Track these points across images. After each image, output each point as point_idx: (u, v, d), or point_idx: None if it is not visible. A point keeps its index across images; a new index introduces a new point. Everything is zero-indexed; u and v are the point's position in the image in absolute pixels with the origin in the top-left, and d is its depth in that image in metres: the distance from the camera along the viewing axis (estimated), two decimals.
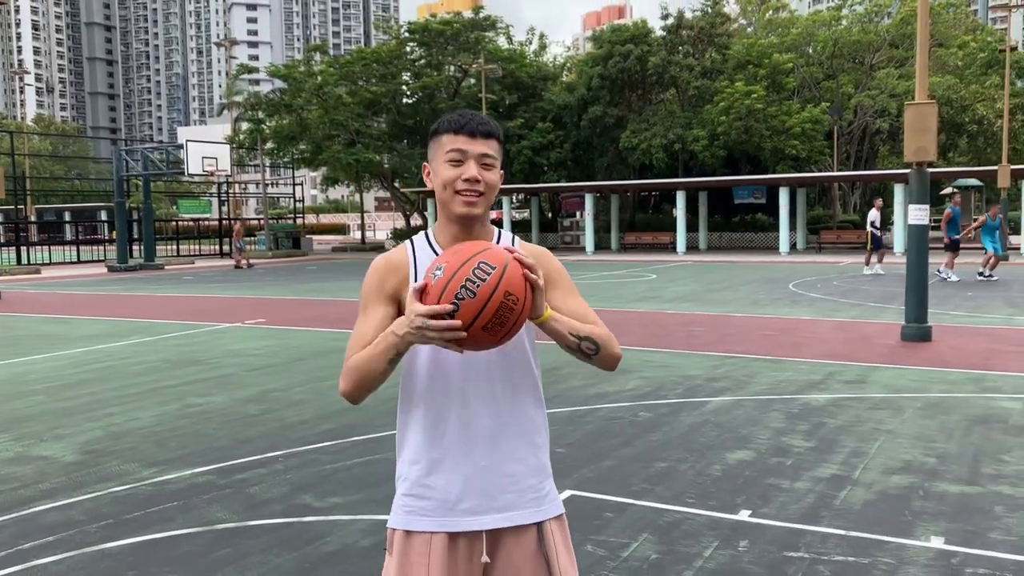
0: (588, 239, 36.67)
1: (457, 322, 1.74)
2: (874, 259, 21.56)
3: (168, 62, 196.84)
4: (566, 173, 41.38)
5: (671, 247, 35.85)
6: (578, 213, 41.74)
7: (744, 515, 4.62)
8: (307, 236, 44.48)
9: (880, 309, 13.96)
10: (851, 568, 3.92)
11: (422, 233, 2.12)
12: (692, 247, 36.41)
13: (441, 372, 2.00)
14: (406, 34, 41.77)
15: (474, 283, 1.76)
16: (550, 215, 46.17)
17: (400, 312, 1.98)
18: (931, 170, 10.80)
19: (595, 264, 28.85)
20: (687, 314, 13.83)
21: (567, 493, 5.01)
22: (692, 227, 37.04)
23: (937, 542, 4.21)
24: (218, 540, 4.38)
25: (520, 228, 43.46)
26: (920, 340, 10.26)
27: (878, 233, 21.51)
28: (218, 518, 4.71)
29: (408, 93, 42.57)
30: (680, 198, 34.82)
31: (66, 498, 5.07)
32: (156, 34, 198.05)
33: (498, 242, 2.08)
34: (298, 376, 8.82)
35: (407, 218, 49.49)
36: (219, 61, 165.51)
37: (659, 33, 39.68)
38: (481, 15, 41.40)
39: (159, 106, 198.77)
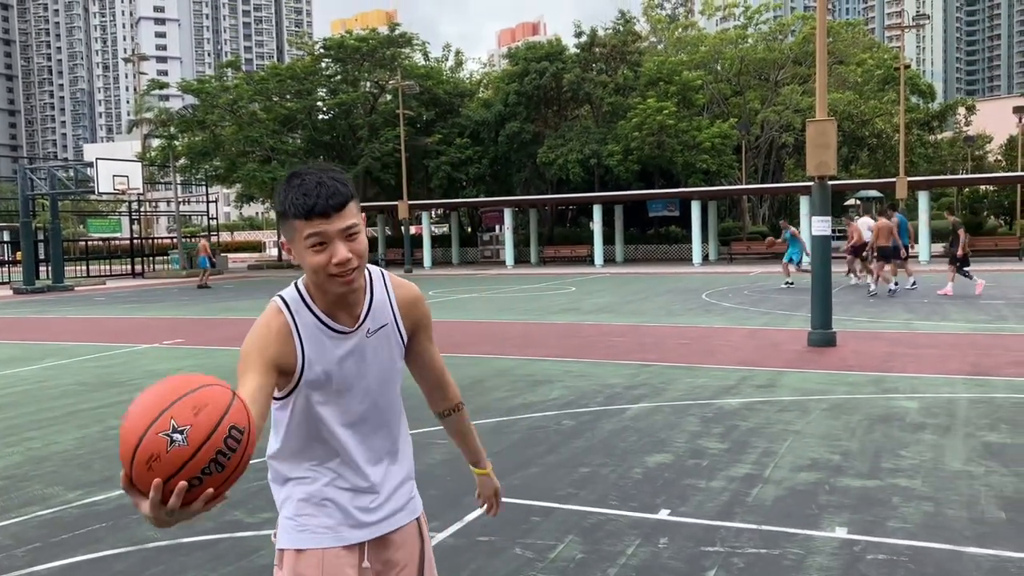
0: (508, 253, 37.01)
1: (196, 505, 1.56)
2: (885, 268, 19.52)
3: (72, 77, 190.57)
4: (485, 188, 41.71)
5: (589, 260, 36.47)
6: (497, 227, 42.09)
7: (664, 514, 4.87)
8: (222, 254, 43.66)
9: (788, 317, 14.57)
10: (763, 559, 4.19)
11: (294, 289, 2.05)
12: (609, 260, 37.09)
13: (324, 439, 2.09)
14: (321, 50, 41.53)
15: (225, 455, 1.54)
16: (470, 230, 46.41)
17: (281, 377, 1.98)
18: (833, 182, 11.37)
19: (515, 278, 29.16)
20: (606, 325, 14.18)
21: None
22: (609, 240, 37.74)
23: (841, 532, 4.52)
24: (151, 558, 4.40)
25: (440, 243, 43.58)
26: (825, 345, 10.78)
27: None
28: (149, 537, 4.72)
29: (324, 109, 42.30)
30: (597, 212, 35.49)
31: None
32: (59, 48, 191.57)
33: (371, 282, 2.11)
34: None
35: None
36: (127, 76, 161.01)
37: (573, 51, 40.42)
38: (397, 32, 41.47)
39: (63, 122, 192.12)
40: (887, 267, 18.05)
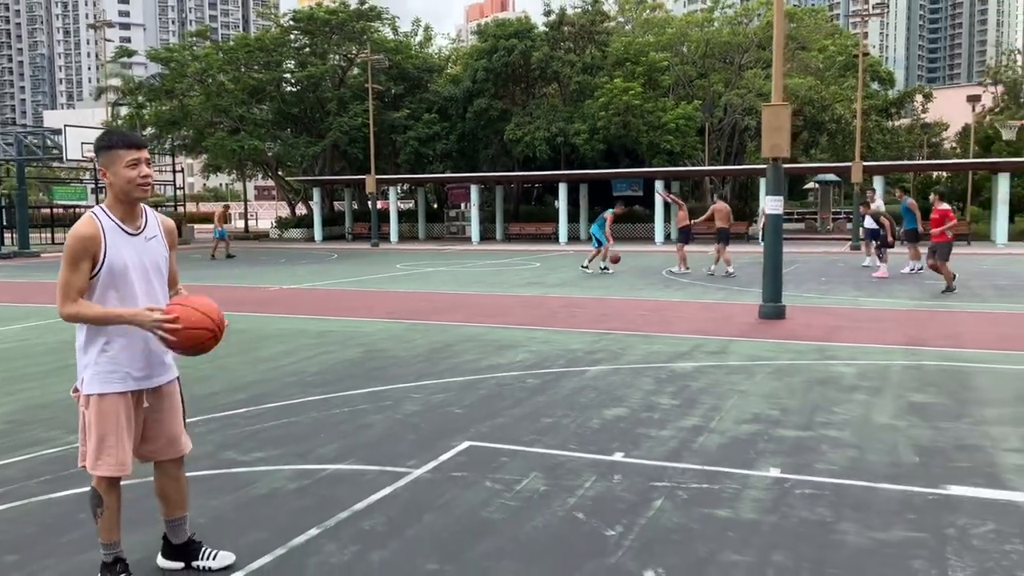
0: (474, 229, 37.44)
1: (174, 318, 3.32)
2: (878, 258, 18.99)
3: (32, 42, 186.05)
4: (452, 164, 41.99)
5: (554, 237, 37.02)
6: (463, 204, 42.44)
7: (618, 456, 5.43)
8: (188, 225, 43.54)
9: (743, 292, 15.24)
10: (704, 492, 4.76)
11: (99, 209, 3.39)
12: (574, 237, 37.67)
13: (126, 299, 3.40)
14: (291, 22, 41.36)
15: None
16: (435, 206, 46.68)
17: (92, 266, 3.30)
18: (794, 166, 11.99)
19: (481, 253, 29.62)
20: (569, 297, 14.75)
21: (465, 444, 5.70)
22: (574, 218, 38.31)
23: (775, 472, 5.11)
24: (144, 492, 4.85)
25: (406, 218, 43.83)
26: (775, 318, 11.45)
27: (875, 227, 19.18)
28: (151, 472, 5.17)
29: (292, 81, 42.20)
30: (562, 190, 36.01)
31: None
32: (18, 12, 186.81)
33: (146, 212, 3.50)
34: (200, 356, 9.17)
35: (292, 207, 49.02)
36: (88, 43, 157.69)
37: (542, 29, 40.70)
38: (367, 6, 41.40)
39: (22, 88, 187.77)
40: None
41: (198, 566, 3.74)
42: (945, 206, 15.65)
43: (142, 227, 3.47)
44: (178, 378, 3.69)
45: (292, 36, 41.75)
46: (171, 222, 3.68)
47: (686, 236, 20.08)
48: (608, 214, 20.30)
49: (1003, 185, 30.01)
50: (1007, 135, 36.82)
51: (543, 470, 5.17)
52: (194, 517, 4.30)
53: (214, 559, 3.75)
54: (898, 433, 5.92)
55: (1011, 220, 31.18)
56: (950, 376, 7.77)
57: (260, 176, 57.70)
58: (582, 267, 20.33)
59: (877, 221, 18.62)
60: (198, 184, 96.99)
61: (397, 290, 16.52)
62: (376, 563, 3.87)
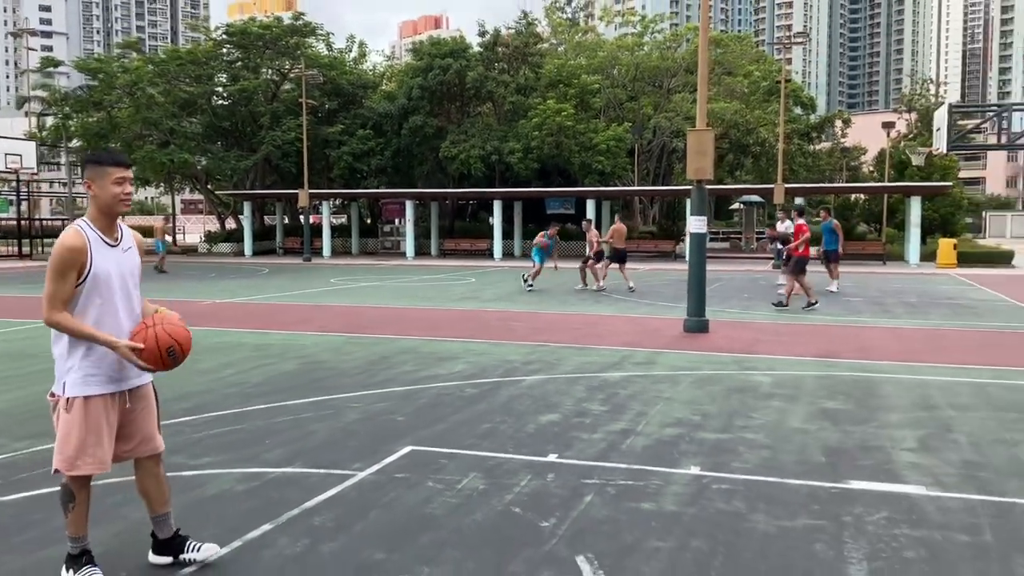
0: (409, 245, 37.62)
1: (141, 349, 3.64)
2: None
3: None
4: (386, 180, 42.11)
5: (488, 253, 37.43)
6: (397, 219, 42.56)
7: (552, 457, 5.80)
8: None
9: (670, 307, 15.83)
10: (630, 488, 5.16)
11: (83, 222, 3.69)
12: (508, 253, 38.14)
13: (107, 306, 3.68)
14: (224, 36, 41.06)
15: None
16: (368, 221, 46.67)
17: (78, 275, 3.59)
18: (719, 187, 12.59)
19: (416, 269, 29.83)
20: (504, 311, 15.12)
21: (407, 448, 6.00)
22: (508, 235, 38.79)
23: (695, 470, 5.54)
24: (107, 491, 5.03)
25: (340, 233, 43.73)
26: (699, 331, 12.00)
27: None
28: (106, 474, 5.34)
29: (225, 95, 41.85)
30: (497, 207, 36.49)
31: None
32: None
33: (121, 227, 3.81)
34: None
35: (221, 221, 48.44)
36: (8, 50, 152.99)
37: (476, 49, 41.25)
38: (301, 21, 41.37)
39: None
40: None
41: (185, 559, 3.97)
42: (801, 221, 16.39)
43: (119, 239, 3.79)
44: (152, 381, 3.97)
45: (225, 50, 41.44)
46: (141, 236, 4.04)
47: (599, 256, 20.27)
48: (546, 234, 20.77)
49: (915, 208, 31.51)
50: (916, 161, 38.67)
51: (482, 471, 5.50)
52: (147, 516, 4.52)
53: (199, 551, 3.98)
54: (808, 435, 6.42)
55: (923, 241, 32.71)
56: (858, 385, 8.36)
57: (188, 190, 56.90)
58: (526, 286, 20.11)
59: (783, 243, 19.26)
60: None
61: (333, 304, 16.67)
62: (327, 554, 4.15)
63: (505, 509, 4.78)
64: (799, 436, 6.41)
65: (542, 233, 21.12)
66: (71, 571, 3.78)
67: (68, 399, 3.64)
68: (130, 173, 3.77)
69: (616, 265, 20.11)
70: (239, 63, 41.42)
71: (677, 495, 5.03)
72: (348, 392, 7.97)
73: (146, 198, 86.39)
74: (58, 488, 3.85)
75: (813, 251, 17.64)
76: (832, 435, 6.43)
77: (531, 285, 19.98)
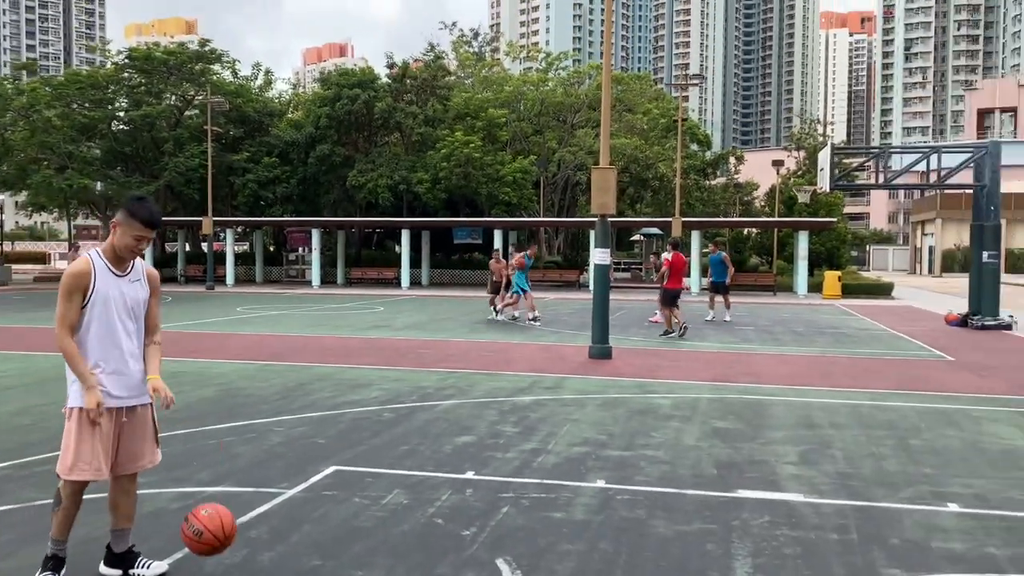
0: (315, 273, 37.49)
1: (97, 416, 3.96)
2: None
3: None
4: (292, 208, 41.90)
5: (395, 282, 37.64)
6: (303, 247, 42.34)
7: (469, 474, 6.23)
8: (6, 264, 41.06)
9: (575, 335, 16.49)
10: (543, 500, 5.63)
11: (94, 252, 4.05)
12: (415, 282, 38.43)
13: (107, 328, 4.02)
14: (127, 60, 40.30)
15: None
16: (272, 248, 46.23)
17: (83, 297, 3.94)
18: (621, 220, 13.30)
19: (323, 297, 29.83)
20: (416, 340, 15.48)
21: (332, 468, 6.34)
22: (415, 264, 39.11)
23: (601, 483, 6.05)
24: (40, 513, 5.20)
25: (243, 261, 43.21)
26: (603, 358, 12.64)
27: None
28: (31, 497, 5.51)
29: (126, 120, 40.98)
30: (405, 236, 36.80)
31: None
32: None
33: (133, 263, 4.12)
34: (56, 394, 9.26)
35: None
36: None
37: (385, 80, 41.65)
38: (207, 48, 40.98)
39: None
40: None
41: (133, 574, 4.23)
42: (667, 256, 17.31)
43: (128, 270, 4.13)
44: (151, 404, 4.24)
45: (127, 74, 40.63)
46: (154, 271, 4.33)
47: (501, 287, 20.37)
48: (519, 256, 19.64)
49: (803, 242, 33.33)
50: (802, 198, 40.91)
51: (405, 488, 5.88)
52: (88, 534, 4.75)
53: (148, 568, 4.24)
54: (702, 451, 7.04)
55: (811, 273, 34.56)
56: (748, 406, 9.08)
57: (84, 215, 55.18)
58: (501, 316, 19.75)
59: (659, 272, 19.98)
60: (9, 222, 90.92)
61: (244, 332, 16.69)
62: (266, 562, 4.48)
63: (429, 521, 5.18)
64: (694, 452, 7.01)
65: (520, 254, 19.88)
66: (40, 570, 4.09)
67: (70, 409, 4.00)
68: (152, 234, 4.10)
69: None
70: (142, 88, 40.68)
71: (585, 505, 5.53)
72: (269, 417, 8.22)
73: (39, 224, 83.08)
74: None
75: (704, 281, 18.67)
76: (723, 451, 7.06)
77: (513, 316, 19.56)
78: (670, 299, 16.62)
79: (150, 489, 5.73)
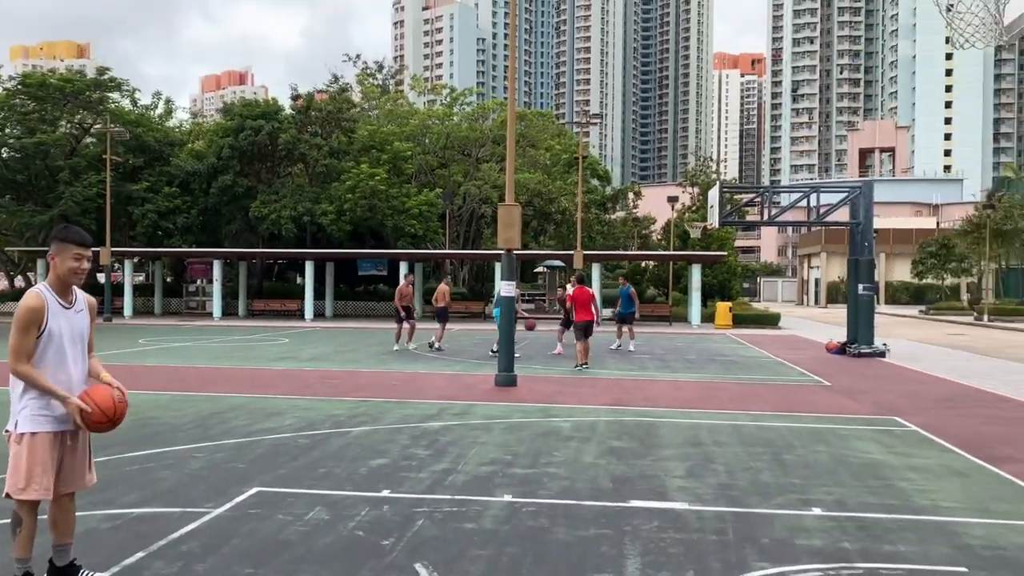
0: (216, 304, 37.02)
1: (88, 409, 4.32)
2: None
3: None
4: (193, 239, 41.29)
5: (299, 314, 37.50)
6: (202, 279, 41.71)
7: (386, 493, 6.69)
8: None
9: (480, 365, 17.05)
10: (455, 513, 6.14)
11: (42, 287, 4.37)
12: (319, 314, 38.34)
13: (59, 357, 4.37)
14: (18, 87, 39.16)
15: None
16: (170, 279, 45.33)
17: (37, 329, 4.26)
18: (524, 252, 13.97)
19: (225, 329, 29.56)
20: (324, 370, 15.77)
21: (254, 489, 6.70)
22: (319, 295, 39.02)
23: (508, 497, 6.60)
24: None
25: (141, 292, 42.25)
26: (508, 385, 13.24)
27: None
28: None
29: (17, 147, 39.73)
30: (309, 267, 36.77)
31: None
32: None
33: (75, 292, 4.47)
34: None
35: (11, 279, 45.47)
36: None
37: (289, 111, 41.65)
38: (106, 76, 40.21)
39: None
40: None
41: None
42: (570, 290, 18.36)
43: (73, 302, 4.48)
44: None
45: (18, 100, 39.47)
46: (93, 299, 4.69)
47: (407, 313, 20.78)
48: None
49: (696, 274, 34.89)
50: (694, 234, 42.82)
51: (325, 505, 6.31)
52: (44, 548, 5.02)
53: None
54: (599, 468, 7.67)
55: (704, 304, 36.13)
56: (641, 428, 9.80)
57: None
58: (491, 352, 19.18)
59: (563, 306, 20.81)
60: None
61: (149, 364, 16.62)
62: (202, 571, 4.85)
63: (350, 533, 5.63)
64: (592, 468, 7.64)
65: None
66: None
67: (20, 434, 4.29)
68: (89, 252, 4.42)
69: (439, 324, 20.99)
70: (35, 115, 39.56)
71: (494, 516, 6.07)
72: (186, 444, 8.47)
73: None
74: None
75: (608, 312, 19.57)
76: (618, 467, 7.72)
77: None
78: (582, 331, 16.88)
79: (80, 512, 5.96)
